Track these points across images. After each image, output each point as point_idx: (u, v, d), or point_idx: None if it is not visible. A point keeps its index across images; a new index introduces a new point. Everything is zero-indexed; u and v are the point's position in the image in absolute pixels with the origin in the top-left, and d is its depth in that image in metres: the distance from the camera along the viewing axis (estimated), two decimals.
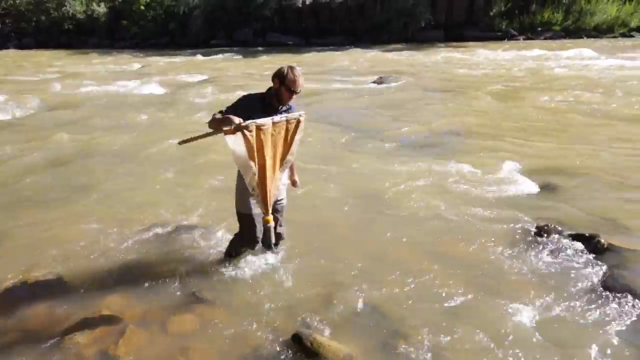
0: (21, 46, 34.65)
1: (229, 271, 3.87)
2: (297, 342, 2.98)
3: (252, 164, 3.23)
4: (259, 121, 3.17)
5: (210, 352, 3.00)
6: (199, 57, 24.04)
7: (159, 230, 4.62)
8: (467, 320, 3.23)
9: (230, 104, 3.48)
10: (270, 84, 3.45)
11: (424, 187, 5.61)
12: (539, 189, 5.55)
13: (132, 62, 22.92)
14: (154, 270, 3.93)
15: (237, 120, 3.13)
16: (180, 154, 7.35)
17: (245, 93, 3.62)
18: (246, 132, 3.10)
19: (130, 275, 3.88)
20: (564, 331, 3.10)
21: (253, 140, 3.17)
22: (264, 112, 3.36)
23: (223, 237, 4.38)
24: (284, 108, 3.48)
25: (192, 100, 11.96)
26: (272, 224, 3.43)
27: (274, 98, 3.45)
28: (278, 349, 3.01)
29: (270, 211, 3.42)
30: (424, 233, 4.47)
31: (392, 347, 2.99)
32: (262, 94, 3.53)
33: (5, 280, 3.80)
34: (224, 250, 4.04)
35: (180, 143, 3.64)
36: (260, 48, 29.36)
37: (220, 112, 3.39)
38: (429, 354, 2.91)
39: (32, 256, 4.20)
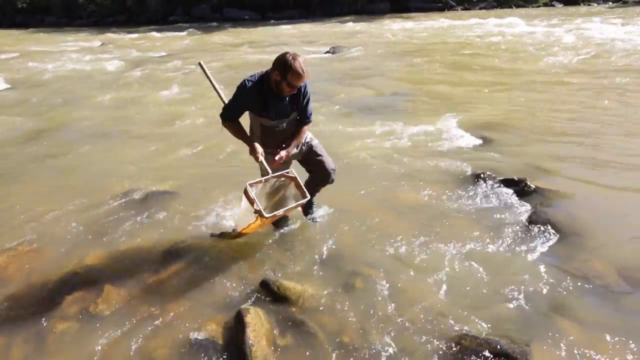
0: None
1: (200, 231, 3.82)
2: (265, 287, 3.02)
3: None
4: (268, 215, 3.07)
5: (185, 304, 2.99)
6: (158, 33, 22.83)
7: (133, 196, 4.48)
8: (413, 259, 3.35)
9: (231, 99, 3.18)
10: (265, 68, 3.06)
11: (374, 144, 5.67)
12: (476, 142, 5.74)
13: (91, 39, 21.54)
14: (129, 233, 3.84)
15: (259, 152, 3.09)
16: (151, 124, 7.10)
17: (249, 73, 3.19)
18: (258, 214, 3.02)
19: (105, 239, 3.76)
20: (496, 261, 3.28)
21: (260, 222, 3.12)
22: (262, 101, 3.05)
23: (197, 201, 4.31)
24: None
25: (155, 74, 11.43)
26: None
27: (274, 85, 3.03)
28: (247, 295, 3.03)
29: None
30: (375, 185, 4.55)
31: (350, 286, 3.08)
32: (260, 78, 3.06)
33: None
34: (197, 213, 3.96)
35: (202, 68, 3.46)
36: (216, 24, 28.14)
37: (225, 108, 3.19)
38: (383, 290, 3.02)
39: (5, 226, 3.99)
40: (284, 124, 3.24)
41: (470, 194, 4.28)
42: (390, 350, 2.54)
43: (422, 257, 3.35)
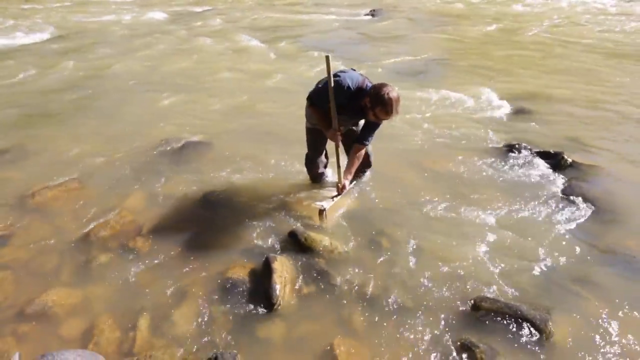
0: None
1: (233, 179, 3.90)
2: (293, 238, 3.07)
3: None
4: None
5: (216, 248, 3.08)
6: None
7: (171, 145, 4.58)
8: (442, 222, 3.32)
9: (320, 87, 3.11)
10: None
11: (410, 109, 5.53)
12: (513, 113, 5.50)
13: None
14: (166, 179, 3.96)
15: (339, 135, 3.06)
16: (189, 77, 7.15)
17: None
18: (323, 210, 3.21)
19: (144, 182, 3.90)
20: (524, 231, 3.20)
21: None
22: (346, 103, 2.99)
23: (231, 153, 4.37)
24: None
25: (196, 28, 11.38)
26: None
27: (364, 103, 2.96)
28: (275, 244, 3.09)
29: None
30: (409, 150, 4.47)
31: (377, 243, 3.09)
32: (359, 87, 2.98)
33: (32, 186, 3.81)
34: (230, 164, 4.03)
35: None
36: None
37: (313, 93, 3.15)
38: (408, 249, 3.02)
39: (54, 166, 4.18)
40: (344, 125, 3.27)
41: (504, 164, 4.15)
42: (410, 305, 2.57)
43: (451, 222, 3.31)
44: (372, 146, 3.53)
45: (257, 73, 7.32)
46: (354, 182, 3.48)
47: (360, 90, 2.99)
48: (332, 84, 2.98)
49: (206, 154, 4.41)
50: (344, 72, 3.07)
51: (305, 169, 3.72)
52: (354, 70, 3.15)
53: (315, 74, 6.92)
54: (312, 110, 3.25)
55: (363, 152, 3.29)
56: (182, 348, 2.34)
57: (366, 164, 3.58)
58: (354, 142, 3.26)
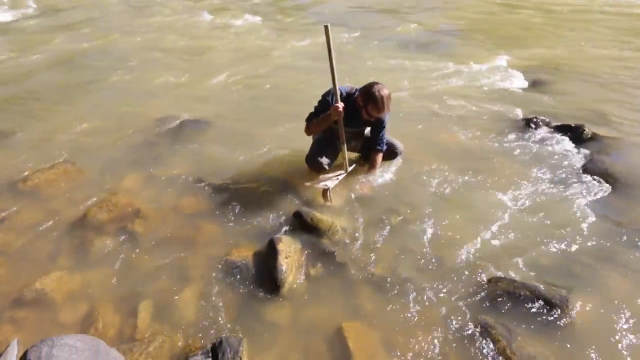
0: None
1: (234, 159, 3.88)
2: (298, 218, 3.06)
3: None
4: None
5: (219, 229, 3.09)
6: None
7: (169, 124, 4.57)
8: (456, 200, 3.29)
9: (316, 106, 3.36)
10: None
11: (421, 83, 5.45)
12: (530, 84, 5.41)
13: None
14: (165, 159, 3.95)
15: (340, 108, 3.13)
16: (186, 52, 7.08)
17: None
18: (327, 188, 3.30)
19: (142, 163, 3.89)
20: (543, 208, 3.17)
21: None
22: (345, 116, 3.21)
23: (232, 131, 4.34)
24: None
25: (196, 1, 11.21)
26: None
27: (357, 105, 3.26)
28: (280, 225, 3.09)
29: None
30: (420, 125, 4.42)
31: (386, 223, 3.07)
32: (348, 94, 3.31)
33: (24, 169, 3.81)
34: (231, 143, 4.00)
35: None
36: None
37: (310, 116, 3.37)
38: (420, 229, 3.00)
39: (46, 148, 4.18)
40: (350, 134, 3.46)
41: (521, 138, 4.09)
42: (422, 286, 2.56)
43: (465, 200, 3.29)
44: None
45: (259, 48, 7.23)
46: (353, 165, 3.58)
47: (350, 96, 3.31)
48: (322, 100, 3.32)
49: (205, 133, 4.38)
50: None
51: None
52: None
53: (318, 48, 6.82)
54: (311, 125, 3.38)
55: (380, 156, 3.57)
56: (185, 333, 2.35)
57: (391, 156, 3.69)
58: (369, 150, 3.55)
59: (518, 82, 5.48)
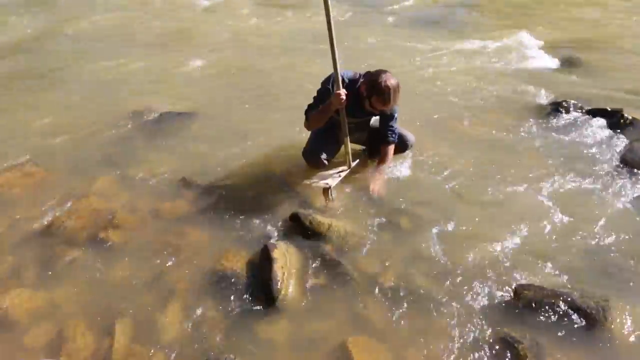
0: None
1: (222, 155, 3.86)
2: (296, 221, 3.04)
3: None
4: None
5: (205, 236, 3.07)
6: None
7: (147, 117, 4.57)
8: (476, 198, 3.27)
9: (315, 97, 3.35)
10: None
11: (435, 64, 5.44)
12: (559, 64, 5.40)
13: None
14: (142, 158, 3.94)
15: (342, 95, 3.11)
16: (165, 34, 7.07)
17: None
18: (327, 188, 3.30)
19: (117, 163, 3.88)
20: (575, 204, 3.15)
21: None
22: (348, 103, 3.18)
23: (217, 124, 4.33)
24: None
25: None
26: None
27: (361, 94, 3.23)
28: (275, 230, 3.07)
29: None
30: (435, 112, 4.41)
31: (395, 225, 3.06)
32: (351, 81, 3.25)
33: None
34: (217, 138, 3.98)
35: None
36: None
37: (309, 108, 3.35)
38: (434, 230, 2.98)
39: (4, 147, 4.16)
40: (353, 125, 3.43)
41: (549, 126, 4.08)
42: (437, 297, 2.54)
43: (485, 196, 3.27)
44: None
45: (249, 27, 7.22)
46: (357, 160, 3.55)
47: (354, 83, 3.26)
48: (322, 88, 3.31)
49: (188, 127, 4.37)
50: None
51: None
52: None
53: (316, 26, 6.80)
54: (311, 119, 3.35)
55: (392, 149, 3.53)
56: (168, 354, 2.34)
57: (400, 148, 3.67)
58: (379, 142, 3.52)
59: (544, 60, 5.49)
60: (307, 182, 3.39)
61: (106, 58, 6.26)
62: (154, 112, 4.63)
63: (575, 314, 2.37)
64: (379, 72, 3.12)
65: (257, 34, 6.89)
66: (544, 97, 4.57)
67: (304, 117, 3.43)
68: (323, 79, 3.34)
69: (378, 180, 3.45)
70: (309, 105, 3.39)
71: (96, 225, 3.18)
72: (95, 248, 3.00)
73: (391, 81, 3.06)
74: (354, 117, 3.38)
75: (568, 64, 5.40)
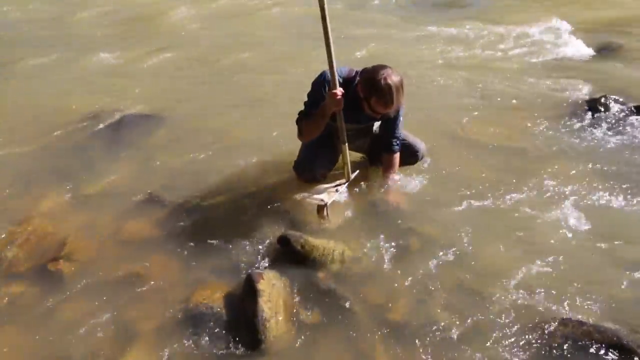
0: None
1: (195, 167, 3.89)
2: (285, 245, 3.05)
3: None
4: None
5: (176, 265, 3.08)
6: None
7: (104, 121, 4.61)
8: (495, 215, 3.31)
9: (307, 101, 3.38)
10: None
11: (448, 54, 5.50)
12: (595, 52, 5.47)
13: None
14: (98, 170, 3.97)
15: (339, 94, 3.13)
16: (126, 22, 7.11)
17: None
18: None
19: (68, 177, 3.89)
20: (616, 222, 3.20)
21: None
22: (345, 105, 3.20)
23: (187, 128, 4.37)
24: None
25: None
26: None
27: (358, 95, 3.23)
28: (261, 256, 3.08)
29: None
30: (448, 113, 4.46)
31: (404, 247, 3.09)
32: (346, 80, 3.26)
33: None
34: (187, 145, 4.04)
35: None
36: None
37: (301, 114, 3.38)
38: (449, 254, 3.00)
39: None
40: (353, 132, 3.46)
41: (585, 125, 4.14)
42: (454, 333, 2.56)
43: (507, 213, 3.31)
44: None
45: (225, 12, 7.27)
46: (356, 172, 3.58)
47: (349, 82, 3.27)
48: (314, 87, 3.33)
49: (154, 133, 4.41)
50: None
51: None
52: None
53: (306, 10, 6.86)
54: (304, 127, 3.39)
55: (397, 158, 3.55)
56: None
57: (410, 160, 3.71)
58: (383, 151, 3.54)
59: (577, 48, 5.57)
60: (298, 197, 3.41)
61: (56, 51, 6.30)
62: (113, 115, 4.66)
63: (622, 353, 2.39)
64: (377, 68, 3.10)
65: (237, 20, 6.94)
66: (580, 92, 4.62)
67: (295, 125, 3.45)
68: (314, 78, 3.35)
69: (396, 192, 3.47)
70: (301, 113, 3.41)
71: (43, 255, 3.19)
72: (41, 282, 3.01)
73: (392, 78, 3.04)
74: (353, 123, 3.40)
75: (607, 51, 5.48)
